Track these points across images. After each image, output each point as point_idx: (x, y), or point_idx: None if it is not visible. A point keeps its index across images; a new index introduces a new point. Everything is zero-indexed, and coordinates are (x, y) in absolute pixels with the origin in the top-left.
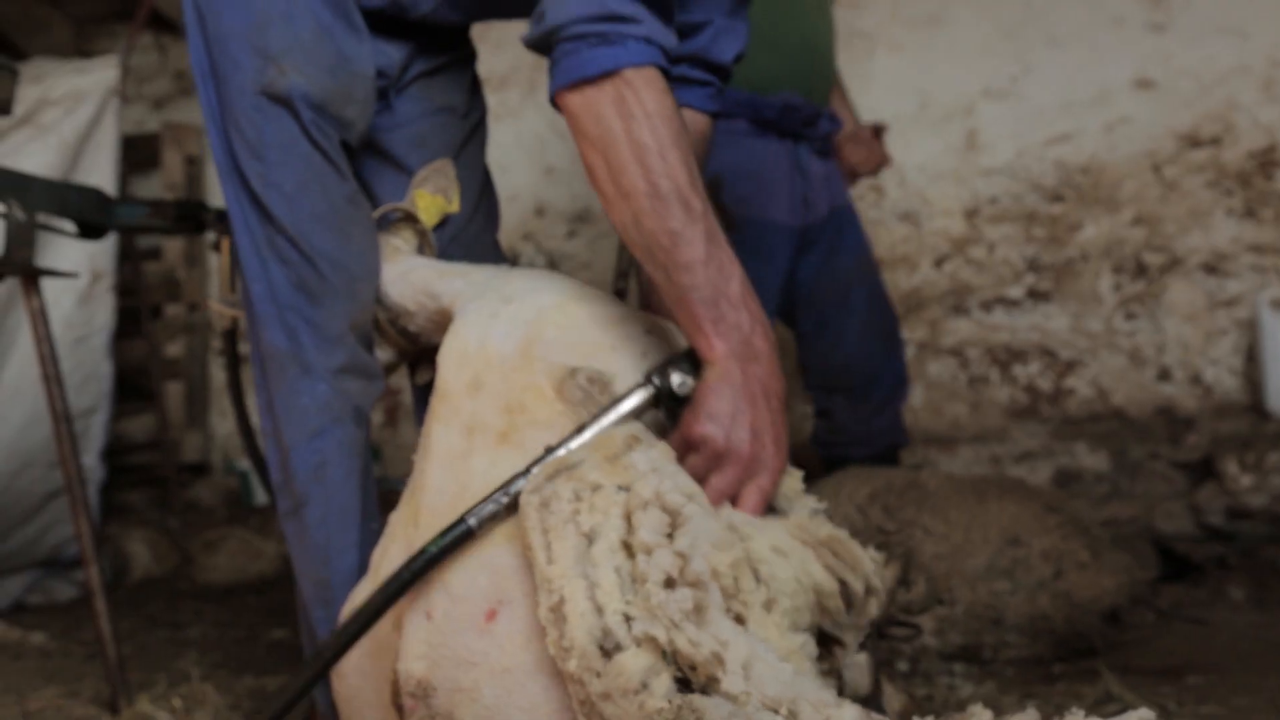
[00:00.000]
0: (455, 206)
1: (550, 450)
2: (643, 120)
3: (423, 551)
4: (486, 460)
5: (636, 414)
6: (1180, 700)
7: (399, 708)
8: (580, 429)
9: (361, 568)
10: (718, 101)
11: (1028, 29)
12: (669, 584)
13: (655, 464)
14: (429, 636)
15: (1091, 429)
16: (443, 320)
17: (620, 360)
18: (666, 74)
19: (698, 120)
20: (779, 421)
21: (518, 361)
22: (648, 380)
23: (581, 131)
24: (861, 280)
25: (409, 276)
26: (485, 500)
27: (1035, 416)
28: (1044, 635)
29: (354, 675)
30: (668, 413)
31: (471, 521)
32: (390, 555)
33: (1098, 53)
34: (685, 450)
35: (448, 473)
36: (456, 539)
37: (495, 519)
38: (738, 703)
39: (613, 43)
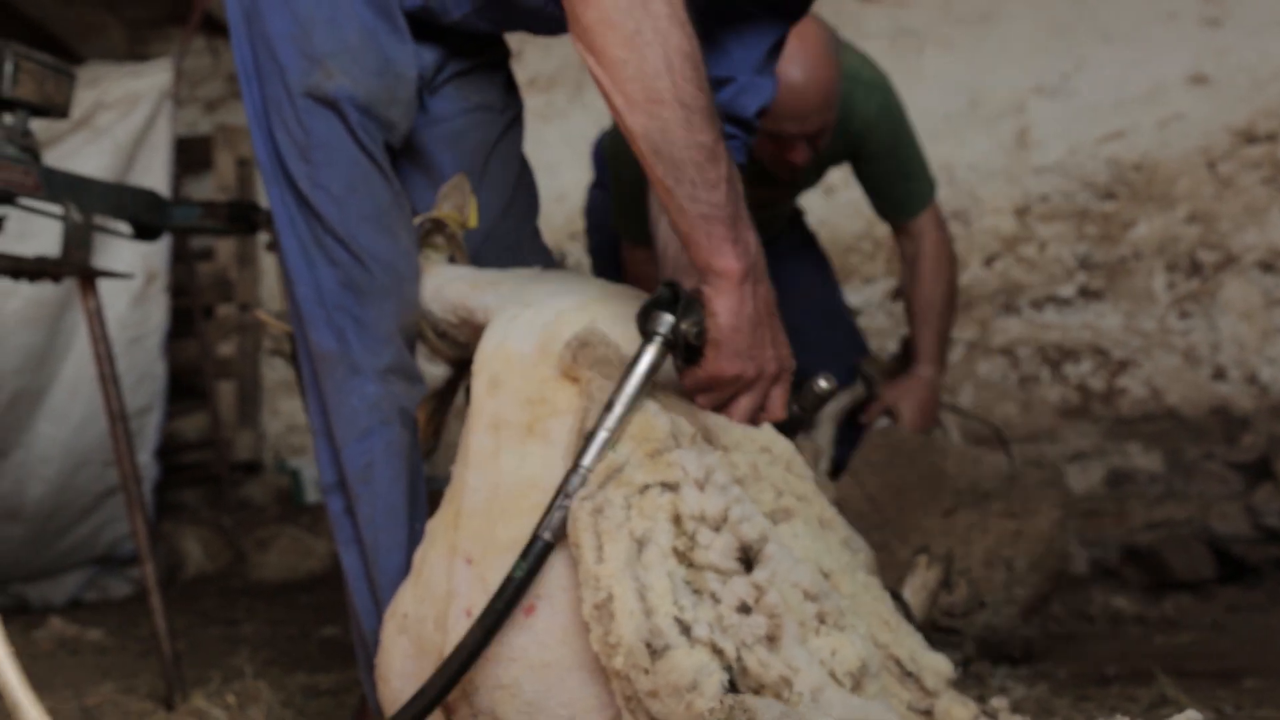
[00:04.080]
0: (473, 222)
1: (589, 436)
2: (670, 21)
3: (510, 579)
4: (515, 457)
5: (654, 371)
6: (1238, 704)
7: (444, 706)
8: (609, 404)
9: (408, 567)
10: (742, 154)
11: (1080, 25)
12: (743, 609)
13: (712, 474)
14: None
15: (1145, 429)
16: (480, 333)
17: None
18: None
19: None
20: (781, 328)
21: (536, 358)
22: (652, 334)
23: (608, 22)
24: None
25: (444, 292)
26: (551, 509)
27: (1087, 416)
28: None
29: (397, 679)
30: (677, 357)
31: (546, 535)
32: (430, 559)
33: (1151, 49)
34: (714, 384)
35: (480, 473)
36: (538, 557)
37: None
38: (789, 703)
39: None
